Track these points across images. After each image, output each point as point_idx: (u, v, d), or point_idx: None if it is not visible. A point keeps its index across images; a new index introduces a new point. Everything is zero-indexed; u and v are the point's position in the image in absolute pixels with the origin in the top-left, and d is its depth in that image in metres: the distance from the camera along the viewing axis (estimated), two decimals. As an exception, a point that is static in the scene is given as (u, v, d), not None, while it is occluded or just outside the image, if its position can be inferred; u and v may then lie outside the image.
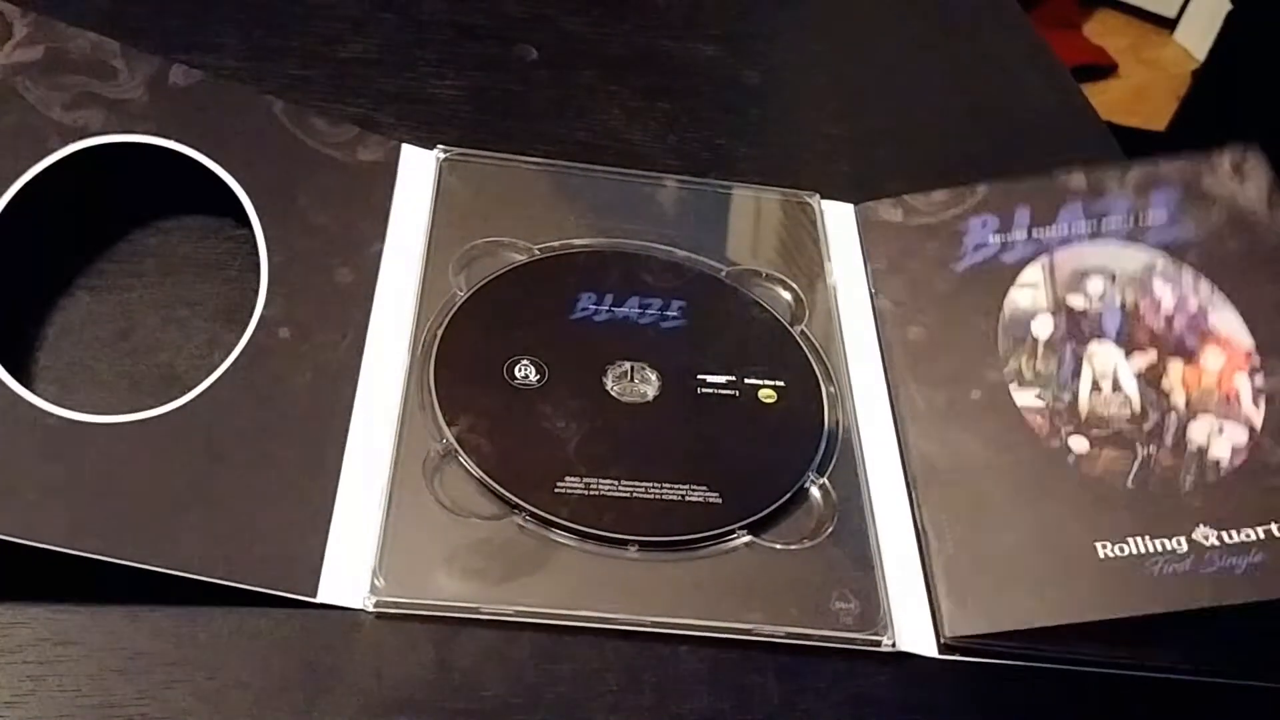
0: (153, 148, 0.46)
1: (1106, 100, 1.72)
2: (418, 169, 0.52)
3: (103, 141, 0.45)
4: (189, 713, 0.36)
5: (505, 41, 0.61)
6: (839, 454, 0.46)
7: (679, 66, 0.63)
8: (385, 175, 0.51)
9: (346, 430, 0.43)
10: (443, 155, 0.52)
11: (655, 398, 0.46)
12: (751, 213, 0.54)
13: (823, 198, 0.55)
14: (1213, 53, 1.27)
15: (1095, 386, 0.46)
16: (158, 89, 0.48)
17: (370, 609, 0.39)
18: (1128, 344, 0.46)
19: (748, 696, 0.40)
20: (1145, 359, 0.46)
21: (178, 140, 0.47)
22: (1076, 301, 0.48)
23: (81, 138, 0.45)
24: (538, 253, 0.50)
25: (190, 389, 0.42)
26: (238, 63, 0.55)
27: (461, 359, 0.46)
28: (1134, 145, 0.66)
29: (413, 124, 0.55)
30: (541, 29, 0.62)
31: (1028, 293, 0.49)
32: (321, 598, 0.39)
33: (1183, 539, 0.41)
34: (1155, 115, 1.40)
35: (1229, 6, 1.21)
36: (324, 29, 0.59)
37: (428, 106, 0.56)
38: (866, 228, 0.53)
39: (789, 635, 0.41)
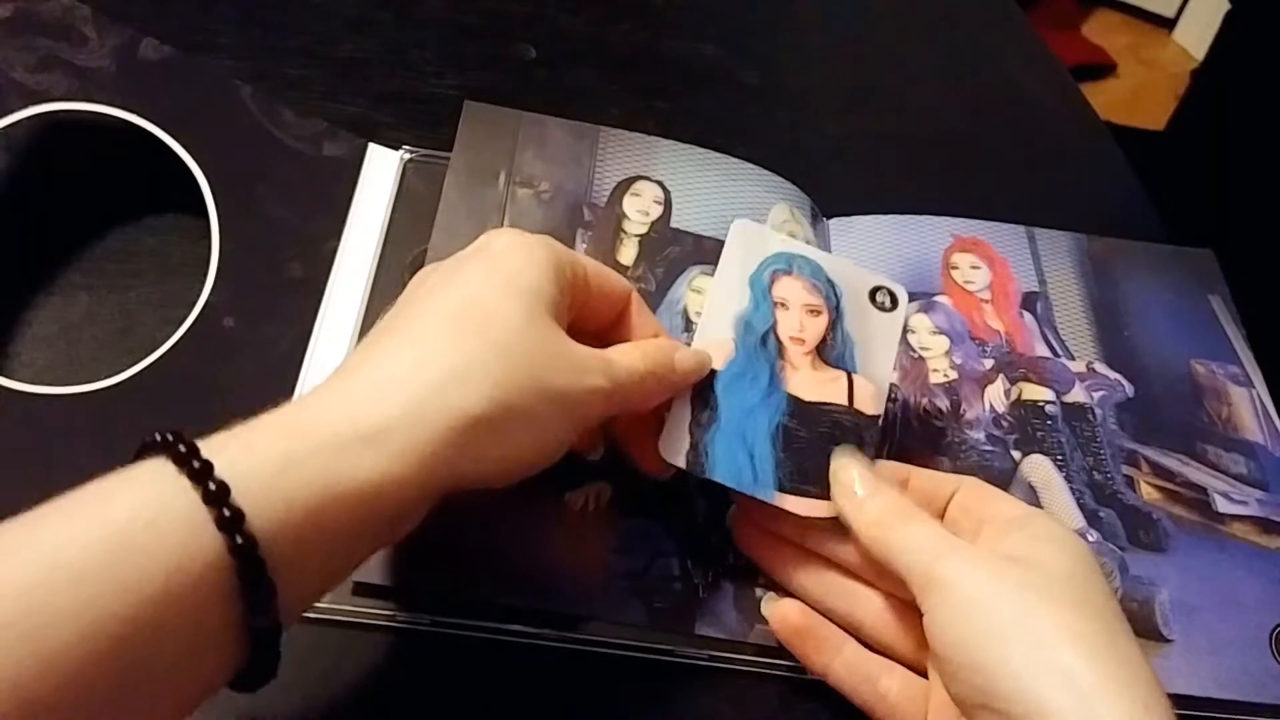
0: (115, 119, 0.46)
1: (1106, 100, 1.72)
2: (382, 168, 0.51)
3: (64, 108, 0.45)
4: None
5: (505, 41, 0.61)
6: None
7: (679, 66, 0.63)
8: (348, 172, 0.50)
9: None
10: (407, 156, 0.52)
11: None
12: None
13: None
14: (1212, 52, 1.27)
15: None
16: (126, 60, 0.47)
17: None
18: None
19: (747, 698, 0.40)
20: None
21: (141, 115, 0.46)
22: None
23: (44, 101, 0.44)
24: None
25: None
26: (237, 62, 0.55)
27: None
28: (1133, 145, 0.66)
29: (412, 124, 0.54)
30: (541, 29, 0.61)
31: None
32: None
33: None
34: (1154, 115, 1.40)
35: (1228, 6, 1.21)
36: (323, 29, 0.58)
37: (427, 106, 0.56)
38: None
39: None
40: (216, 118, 0.48)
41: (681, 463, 0.39)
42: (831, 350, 0.42)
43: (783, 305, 0.42)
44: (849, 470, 0.39)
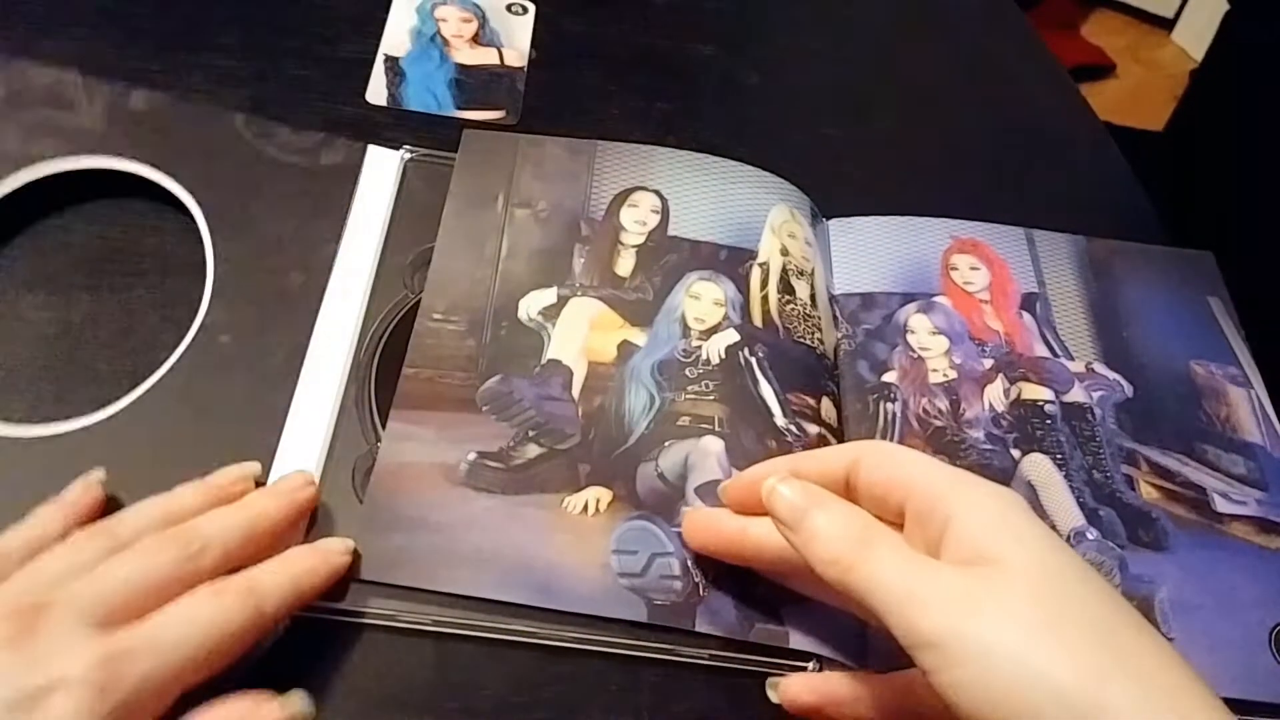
0: (109, 170, 0.47)
1: (1105, 100, 1.72)
2: (382, 169, 0.51)
3: (53, 169, 0.47)
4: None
5: (505, 41, 0.61)
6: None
7: (678, 66, 0.63)
8: (347, 177, 0.50)
9: (280, 432, 0.43)
10: (407, 156, 0.52)
11: None
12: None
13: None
14: (1210, 53, 1.27)
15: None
16: (116, 114, 0.49)
17: None
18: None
19: (745, 695, 0.40)
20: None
21: (132, 159, 0.48)
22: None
23: (35, 163, 0.46)
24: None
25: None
26: (237, 62, 0.55)
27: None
28: (1133, 145, 0.66)
29: (412, 124, 0.55)
30: (541, 29, 0.61)
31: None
32: None
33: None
34: (1153, 115, 1.40)
35: (1227, 7, 1.21)
36: (324, 29, 0.58)
37: (427, 106, 0.56)
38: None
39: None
40: (209, 150, 0.49)
41: (385, 103, 0.55)
42: (483, 39, 0.60)
43: (443, 20, 0.60)
44: (783, 498, 0.36)
